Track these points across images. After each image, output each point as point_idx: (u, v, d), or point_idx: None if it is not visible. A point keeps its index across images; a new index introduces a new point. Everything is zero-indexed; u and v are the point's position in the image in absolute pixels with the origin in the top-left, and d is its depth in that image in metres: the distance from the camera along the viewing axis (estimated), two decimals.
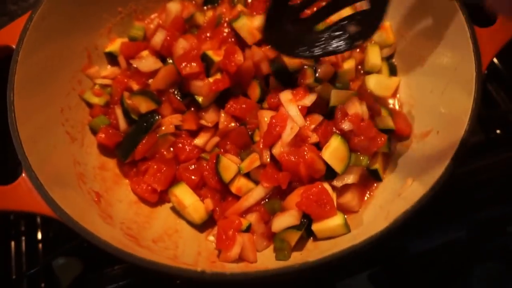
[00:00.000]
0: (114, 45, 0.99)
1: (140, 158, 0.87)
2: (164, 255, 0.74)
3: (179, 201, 0.83)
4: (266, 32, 0.83)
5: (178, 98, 0.90)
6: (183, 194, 0.84)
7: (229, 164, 0.84)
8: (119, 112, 0.90)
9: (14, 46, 0.75)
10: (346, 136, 0.81)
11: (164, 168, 0.87)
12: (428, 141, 0.80)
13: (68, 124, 0.86)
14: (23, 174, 0.63)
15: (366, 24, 0.75)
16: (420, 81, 0.90)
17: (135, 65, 0.93)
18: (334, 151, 0.79)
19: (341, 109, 0.83)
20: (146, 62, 0.93)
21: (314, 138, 0.82)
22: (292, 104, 0.83)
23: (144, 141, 0.86)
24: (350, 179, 0.81)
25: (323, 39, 0.78)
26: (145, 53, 0.96)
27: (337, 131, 0.82)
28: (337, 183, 0.81)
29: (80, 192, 0.76)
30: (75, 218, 0.59)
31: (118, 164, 0.91)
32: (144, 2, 1.04)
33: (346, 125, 0.81)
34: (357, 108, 0.82)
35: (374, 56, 0.95)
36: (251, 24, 0.89)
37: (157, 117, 0.88)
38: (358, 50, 0.98)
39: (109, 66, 1.00)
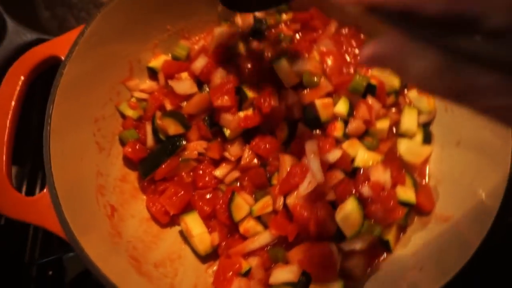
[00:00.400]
0: (157, 61, 1.02)
1: (159, 179, 0.90)
2: (162, 284, 0.76)
3: (188, 229, 0.84)
4: None
5: (207, 125, 0.92)
6: (193, 223, 0.86)
7: (242, 204, 0.84)
8: (148, 129, 0.93)
9: (62, 58, 0.79)
10: (363, 201, 0.80)
11: (181, 193, 0.89)
12: (447, 227, 0.77)
13: (100, 134, 0.89)
14: (45, 190, 0.67)
15: None
16: (454, 158, 0.86)
17: (172, 86, 0.95)
18: (347, 215, 0.78)
19: (364, 172, 0.81)
20: (183, 85, 0.95)
21: (331, 195, 0.81)
22: (315, 157, 0.82)
23: (166, 164, 0.89)
24: (358, 245, 0.79)
25: None
26: (184, 75, 0.98)
27: (356, 193, 0.81)
28: (345, 246, 0.79)
29: (96, 207, 0.79)
30: (84, 246, 0.62)
31: (139, 177, 0.94)
32: (193, 22, 1.05)
33: (365, 191, 0.79)
34: (380, 175, 0.81)
35: (410, 120, 0.92)
36: (290, 68, 0.89)
37: (183, 142, 0.90)
38: (394, 110, 0.95)
39: (148, 81, 1.03)
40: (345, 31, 0.99)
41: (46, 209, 0.65)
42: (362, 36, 0.99)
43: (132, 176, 0.94)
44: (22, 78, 0.75)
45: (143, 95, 0.99)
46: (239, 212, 0.84)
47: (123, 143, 0.94)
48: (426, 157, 0.91)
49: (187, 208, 0.89)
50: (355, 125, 0.87)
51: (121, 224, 0.84)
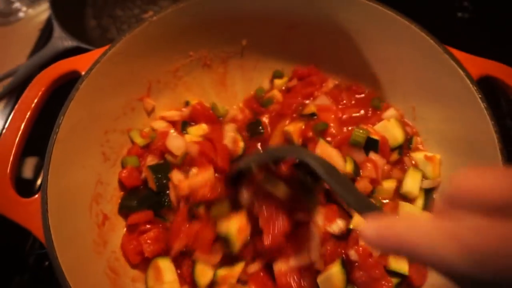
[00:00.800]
0: (194, 100, 1.08)
1: (131, 224, 0.89)
2: None
3: (159, 272, 0.82)
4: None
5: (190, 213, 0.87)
6: (166, 269, 0.84)
7: (205, 270, 0.82)
8: (146, 166, 0.94)
9: (82, 73, 0.86)
10: (350, 265, 0.78)
11: (161, 238, 0.87)
12: None
13: (108, 145, 0.95)
14: (36, 195, 0.72)
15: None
16: None
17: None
18: (329, 278, 0.76)
19: (355, 234, 0.80)
20: (176, 142, 0.94)
21: (319, 265, 0.79)
22: (317, 233, 0.80)
23: (142, 213, 0.88)
24: None
25: None
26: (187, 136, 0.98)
27: (344, 255, 0.79)
28: None
29: (87, 214, 0.84)
30: (59, 255, 0.66)
31: None
32: (216, 52, 1.10)
33: (352, 254, 0.78)
34: None
35: (412, 182, 0.89)
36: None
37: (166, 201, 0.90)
38: (398, 167, 0.93)
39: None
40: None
41: (35, 213, 0.70)
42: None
43: None
44: (43, 88, 0.82)
45: (162, 124, 1.03)
46: (203, 278, 0.82)
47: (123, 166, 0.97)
48: None
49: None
50: (362, 185, 0.86)
51: (110, 233, 0.88)
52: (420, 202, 0.89)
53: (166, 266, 0.83)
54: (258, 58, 1.13)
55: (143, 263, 0.86)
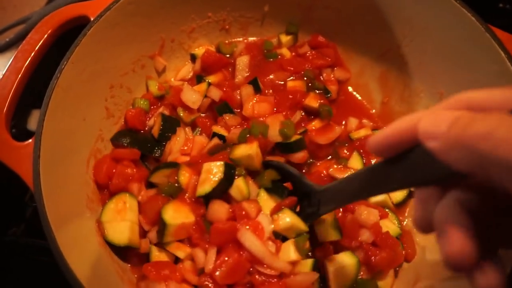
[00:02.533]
0: (200, 50, 1.03)
1: (115, 157, 0.86)
2: None
3: (124, 208, 0.78)
4: None
5: None
6: (132, 208, 0.79)
7: None
8: (159, 112, 0.93)
9: (91, 19, 0.81)
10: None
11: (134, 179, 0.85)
12: None
13: (112, 101, 0.91)
14: (30, 140, 0.69)
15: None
16: None
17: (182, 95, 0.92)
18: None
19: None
20: (190, 95, 0.92)
21: None
22: None
23: (129, 150, 0.86)
24: None
25: None
26: (202, 86, 0.96)
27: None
28: None
29: (83, 169, 0.80)
30: (46, 204, 0.63)
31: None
32: (236, 16, 1.04)
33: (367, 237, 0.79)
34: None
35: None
36: None
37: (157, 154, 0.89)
38: None
39: (188, 64, 1.04)
40: None
41: (26, 158, 0.66)
42: None
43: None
44: (50, 30, 0.78)
45: (176, 83, 0.99)
46: None
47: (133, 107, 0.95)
48: None
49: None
50: None
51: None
52: None
53: (132, 205, 0.79)
54: (279, 29, 1.06)
55: (107, 195, 0.82)
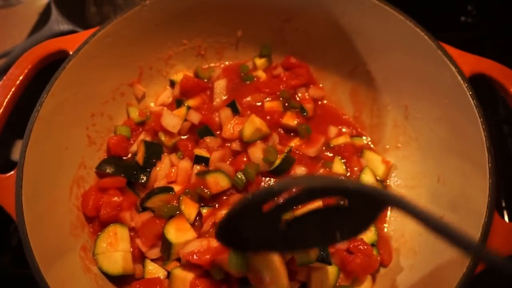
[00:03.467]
0: (178, 76, 1.07)
1: (102, 187, 0.87)
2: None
3: (115, 239, 0.81)
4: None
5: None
6: (123, 238, 0.82)
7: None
8: (141, 138, 0.97)
9: (70, 53, 0.85)
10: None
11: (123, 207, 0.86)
12: None
13: (94, 129, 0.94)
14: (12, 172, 0.71)
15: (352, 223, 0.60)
16: None
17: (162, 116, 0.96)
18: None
19: None
20: (171, 120, 0.96)
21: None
22: None
23: (114, 179, 0.88)
24: None
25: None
26: (180, 111, 0.99)
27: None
28: None
29: (67, 197, 0.83)
30: (30, 234, 0.65)
31: None
32: (211, 42, 1.09)
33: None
34: None
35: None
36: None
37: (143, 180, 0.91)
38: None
39: (168, 90, 1.08)
40: None
41: (9, 189, 0.69)
42: None
43: None
44: (30, 66, 0.81)
45: (156, 109, 1.02)
46: None
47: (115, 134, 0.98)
48: None
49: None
50: None
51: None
52: None
53: (123, 235, 0.82)
54: (254, 52, 1.11)
55: (97, 226, 0.85)
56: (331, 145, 1.00)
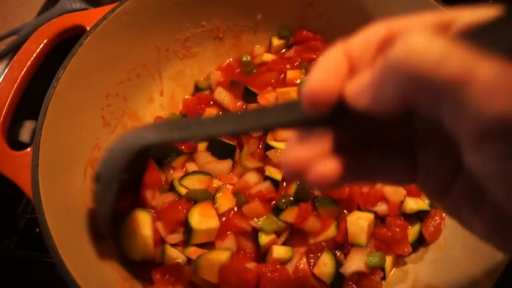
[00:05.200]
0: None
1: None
2: None
3: (137, 225, 0.78)
4: None
5: None
6: (145, 223, 0.79)
7: None
8: None
9: (87, 28, 0.81)
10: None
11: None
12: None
13: (108, 109, 0.91)
14: (28, 149, 0.68)
15: None
16: None
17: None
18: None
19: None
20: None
21: None
22: None
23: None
24: None
25: None
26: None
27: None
28: None
29: (81, 179, 0.79)
30: (46, 212, 0.62)
31: None
32: (229, 24, 1.05)
33: (381, 209, 0.79)
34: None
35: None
36: None
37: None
38: None
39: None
40: None
41: (24, 167, 0.66)
42: None
43: None
44: (46, 40, 0.78)
45: None
46: None
47: None
48: None
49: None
50: None
51: None
52: None
53: (146, 220, 0.78)
54: (272, 35, 1.08)
55: None
56: None
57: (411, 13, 0.88)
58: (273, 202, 0.78)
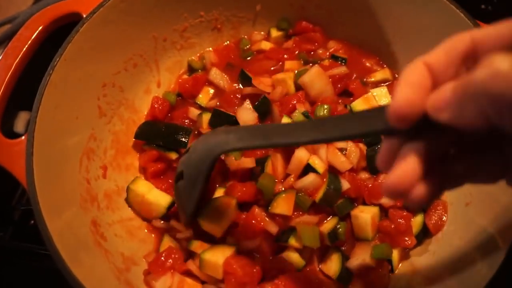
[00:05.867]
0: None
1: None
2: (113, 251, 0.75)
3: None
4: None
5: None
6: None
7: None
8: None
9: (84, 16, 0.80)
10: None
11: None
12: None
13: (104, 100, 0.89)
14: (22, 137, 0.67)
15: None
16: None
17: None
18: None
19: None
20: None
21: None
22: None
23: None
24: None
25: None
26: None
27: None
28: None
29: (76, 168, 0.78)
30: (41, 201, 0.61)
31: (135, 151, 0.94)
32: (228, 15, 1.04)
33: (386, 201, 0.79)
34: None
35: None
36: None
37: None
38: None
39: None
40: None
41: (19, 155, 0.65)
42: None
43: (126, 147, 0.93)
44: (41, 27, 0.77)
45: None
46: None
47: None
48: None
49: None
50: None
51: (99, 189, 0.83)
52: None
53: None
54: (272, 27, 1.07)
55: None
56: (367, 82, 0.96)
57: (410, 6, 0.88)
58: None
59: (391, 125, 0.37)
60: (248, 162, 0.79)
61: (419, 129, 0.38)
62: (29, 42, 0.75)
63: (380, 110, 0.40)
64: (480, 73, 0.31)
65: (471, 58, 0.35)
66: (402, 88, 0.36)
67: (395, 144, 0.40)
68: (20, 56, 0.74)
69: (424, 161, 0.38)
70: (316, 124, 0.45)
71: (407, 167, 0.38)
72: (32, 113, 0.67)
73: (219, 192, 0.80)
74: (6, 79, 0.71)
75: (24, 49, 0.74)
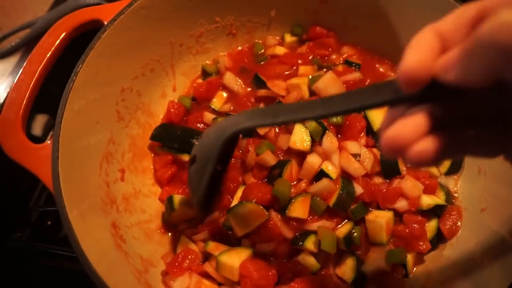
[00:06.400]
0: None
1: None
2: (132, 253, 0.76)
3: None
4: None
5: None
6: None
7: None
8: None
9: (105, 23, 0.82)
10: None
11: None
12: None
13: (123, 104, 0.91)
14: (48, 142, 0.69)
15: None
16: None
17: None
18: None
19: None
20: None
21: None
22: None
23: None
24: None
25: None
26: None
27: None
28: None
29: (97, 172, 0.80)
30: (67, 203, 0.63)
31: (150, 154, 0.96)
32: (243, 21, 1.05)
33: (401, 206, 0.80)
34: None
35: None
36: None
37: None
38: None
39: None
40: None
41: (44, 159, 0.66)
42: None
43: (143, 151, 0.95)
44: (64, 34, 0.78)
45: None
46: None
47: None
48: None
49: None
50: None
51: (118, 192, 0.84)
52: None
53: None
54: (286, 32, 1.08)
55: None
56: None
57: (425, 11, 0.89)
58: None
59: (400, 90, 0.37)
60: (270, 159, 0.80)
61: (427, 97, 0.38)
62: (53, 48, 0.77)
63: (387, 83, 0.41)
64: (487, 25, 0.31)
65: (480, 23, 0.34)
66: (412, 51, 0.37)
67: (401, 110, 0.40)
68: (44, 62, 0.76)
69: (428, 121, 0.38)
70: (323, 101, 0.47)
71: (410, 121, 0.38)
72: (57, 119, 0.69)
73: (240, 191, 0.81)
74: (31, 85, 0.73)
75: (48, 55, 0.76)
